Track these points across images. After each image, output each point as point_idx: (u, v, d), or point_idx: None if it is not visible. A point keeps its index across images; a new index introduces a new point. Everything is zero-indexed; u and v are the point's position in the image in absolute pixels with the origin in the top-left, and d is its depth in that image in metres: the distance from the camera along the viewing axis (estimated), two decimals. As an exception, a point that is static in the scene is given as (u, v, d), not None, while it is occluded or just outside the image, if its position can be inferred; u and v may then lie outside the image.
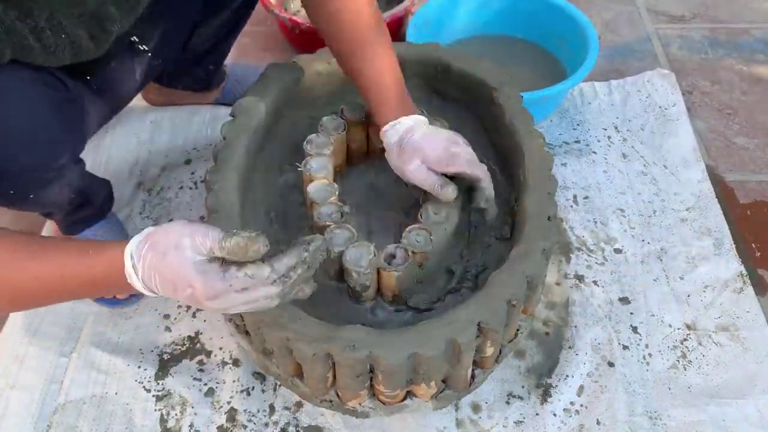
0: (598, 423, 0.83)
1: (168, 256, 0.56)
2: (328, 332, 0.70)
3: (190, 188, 1.11)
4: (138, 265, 0.57)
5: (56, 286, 0.60)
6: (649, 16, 1.48)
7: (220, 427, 0.84)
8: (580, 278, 0.99)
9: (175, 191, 1.11)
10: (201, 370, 0.89)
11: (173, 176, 1.13)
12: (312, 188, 0.86)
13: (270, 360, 0.79)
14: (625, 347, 0.91)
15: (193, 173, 1.13)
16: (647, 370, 0.88)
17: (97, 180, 0.95)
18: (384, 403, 0.78)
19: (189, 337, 0.92)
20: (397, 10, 1.30)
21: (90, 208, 0.93)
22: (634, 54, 1.38)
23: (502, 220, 0.90)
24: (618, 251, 1.02)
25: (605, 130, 1.20)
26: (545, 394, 0.86)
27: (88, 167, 0.90)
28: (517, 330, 0.83)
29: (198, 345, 0.92)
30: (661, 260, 1.01)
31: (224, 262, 0.57)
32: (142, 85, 0.94)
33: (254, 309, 0.60)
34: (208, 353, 0.91)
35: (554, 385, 0.87)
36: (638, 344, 0.91)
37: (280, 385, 0.87)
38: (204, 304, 0.58)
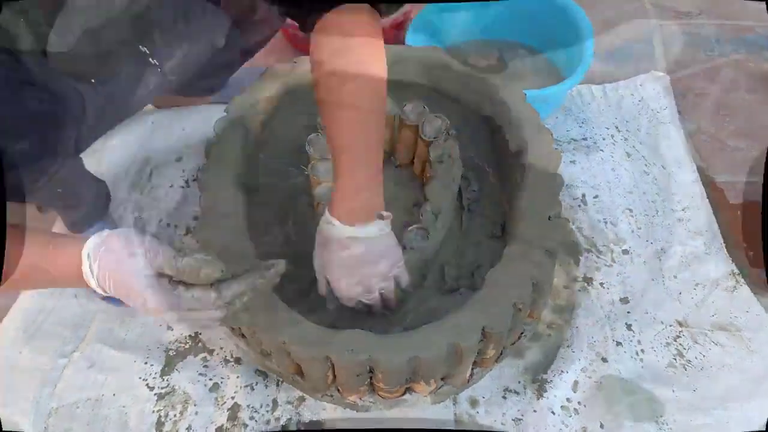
0: (601, 427, 0.83)
1: (123, 264, 0.57)
2: (326, 337, 0.68)
3: (181, 187, 1.10)
4: (94, 266, 0.59)
5: (21, 276, 0.61)
6: (654, 10, 1.46)
7: (222, 425, 0.84)
8: (588, 281, 0.98)
9: (165, 190, 1.10)
10: (205, 366, 0.90)
11: (166, 174, 1.12)
12: (320, 190, 0.86)
13: (269, 359, 0.79)
14: (618, 344, 0.91)
15: (183, 171, 1.12)
16: (642, 367, 0.89)
17: (90, 178, 0.93)
18: (383, 398, 0.78)
19: (190, 336, 0.93)
20: (397, 14, 1.29)
21: (82, 207, 0.92)
22: (634, 52, 1.35)
23: (493, 220, 0.89)
24: (626, 252, 1.01)
25: (608, 129, 1.18)
26: (540, 389, 0.86)
27: (87, 168, 0.89)
28: (521, 333, 0.82)
29: (200, 344, 0.92)
30: (660, 260, 1.00)
31: (172, 281, 0.58)
32: (153, 95, 0.92)
33: (200, 328, 0.62)
34: (210, 351, 0.91)
35: (549, 380, 0.87)
36: (630, 341, 0.91)
37: (282, 381, 0.87)
38: (156, 314, 0.59)
